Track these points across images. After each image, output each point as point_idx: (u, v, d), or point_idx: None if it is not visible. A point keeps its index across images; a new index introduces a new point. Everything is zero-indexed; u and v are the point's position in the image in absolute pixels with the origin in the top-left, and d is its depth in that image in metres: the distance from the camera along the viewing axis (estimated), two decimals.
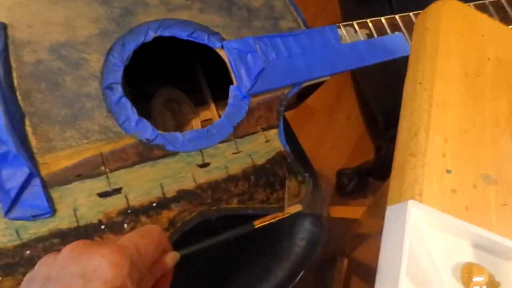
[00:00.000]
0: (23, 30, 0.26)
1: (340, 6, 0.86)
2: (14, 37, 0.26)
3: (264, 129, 0.30)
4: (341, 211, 0.57)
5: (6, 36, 0.26)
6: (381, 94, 0.73)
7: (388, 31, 0.36)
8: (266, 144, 0.30)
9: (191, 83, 0.40)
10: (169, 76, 0.40)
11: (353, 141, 0.90)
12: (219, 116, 0.39)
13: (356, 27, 0.36)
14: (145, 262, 0.20)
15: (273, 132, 0.30)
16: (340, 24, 0.36)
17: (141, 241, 0.20)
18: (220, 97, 0.40)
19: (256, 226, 0.26)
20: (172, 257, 0.22)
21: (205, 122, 0.40)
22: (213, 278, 0.37)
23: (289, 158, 0.30)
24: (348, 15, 0.82)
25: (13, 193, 0.23)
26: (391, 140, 0.71)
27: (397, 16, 0.38)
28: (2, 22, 0.26)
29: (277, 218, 0.27)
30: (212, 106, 0.38)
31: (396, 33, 0.36)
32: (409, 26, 0.37)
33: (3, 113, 0.23)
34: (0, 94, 0.24)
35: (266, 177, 0.29)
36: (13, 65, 0.25)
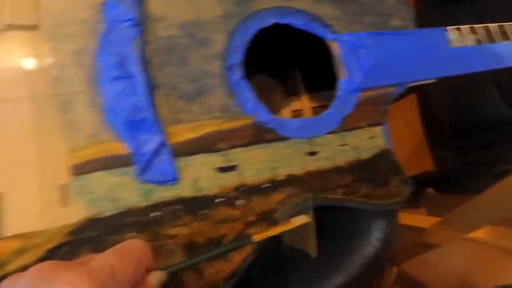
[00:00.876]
0: (158, 6, 0.28)
1: (416, 7, 0.84)
2: (150, 12, 0.28)
3: (369, 125, 0.30)
4: (408, 218, 0.56)
5: (142, 11, 0.27)
6: (453, 104, 0.71)
7: (498, 39, 0.35)
8: (371, 140, 0.30)
9: (283, 71, 0.41)
10: (261, 62, 0.41)
11: (409, 149, 0.88)
12: (310, 108, 0.39)
13: (464, 32, 0.35)
14: (122, 286, 0.17)
15: (378, 129, 0.30)
16: (448, 28, 0.35)
17: (118, 261, 0.18)
18: (311, 90, 0.40)
19: (254, 240, 0.23)
20: (156, 277, 0.19)
21: (295, 113, 0.41)
22: (280, 272, 0.38)
23: (392, 157, 0.30)
24: (425, 17, 0.80)
25: (147, 157, 0.24)
26: (459, 151, 0.69)
27: (506, 24, 0.37)
28: None
29: (279, 231, 0.23)
30: (304, 97, 0.39)
31: (506, 42, 0.35)
32: None
33: (144, 82, 0.25)
34: (142, 65, 0.25)
35: (369, 172, 0.29)
36: (148, 38, 0.27)
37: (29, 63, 0.24)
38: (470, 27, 0.36)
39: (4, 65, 0.24)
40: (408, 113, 0.98)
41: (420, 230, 0.50)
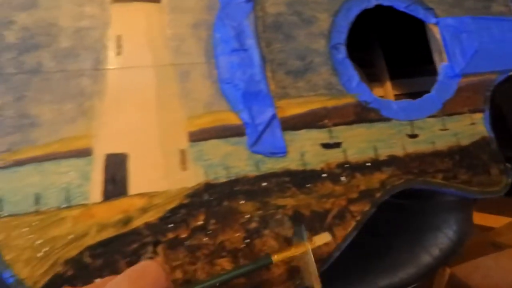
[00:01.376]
0: None
1: None
2: None
3: (470, 111, 0.30)
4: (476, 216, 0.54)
5: None
6: None
7: None
8: (471, 127, 0.29)
9: (367, 57, 0.40)
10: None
11: None
12: (393, 96, 0.39)
13: None
14: None
15: (479, 116, 0.30)
16: None
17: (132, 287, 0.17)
18: (394, 77, 0.40)
19: (274, 261, 0.21)
20: None
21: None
22: (356, 261, 0.38)
23: (493, 144, 0.29)
24: None
25: (260, 129, 0.25)
26: None
27: None
28: None
29: (300, 251, 0.21)
30: (388, 83, 0.38)
31: None
32: None
33: (259, 56, 0.26)
34: (256, 39, 0.26)
35: (469, 159, 0.28)
36: (258, 14, 0.28)
37: (153, 33, 0.26)
38: None
39: (131, 33, 0.25)
40: None
41: (488, 229, 0.48)
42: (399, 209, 0.37)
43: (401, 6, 0.30)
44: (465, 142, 0.29)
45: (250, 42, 0.26)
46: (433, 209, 0.39)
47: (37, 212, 0.22)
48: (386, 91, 0.39)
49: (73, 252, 0.22)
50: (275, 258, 0.21)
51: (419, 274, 0.37)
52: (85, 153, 0.23)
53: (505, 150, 0.79)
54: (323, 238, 0.22)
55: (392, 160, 0.27)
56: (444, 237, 0.39)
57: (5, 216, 0.21)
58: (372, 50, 0.40)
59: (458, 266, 0.67)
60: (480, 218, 0.54)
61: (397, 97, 0.39)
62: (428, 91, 0.30)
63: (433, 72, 0.33)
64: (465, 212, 0.40)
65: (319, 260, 0.24)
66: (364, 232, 0.29)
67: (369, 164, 0.27)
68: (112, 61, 0.24)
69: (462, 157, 0.28)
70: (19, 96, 0.23)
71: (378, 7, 0.30)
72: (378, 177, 0.27)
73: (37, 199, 0.22)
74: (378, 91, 0.39)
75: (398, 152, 0.27)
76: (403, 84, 0.39)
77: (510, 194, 0.76)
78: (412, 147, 0.28)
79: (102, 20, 0.25)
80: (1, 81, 0.23)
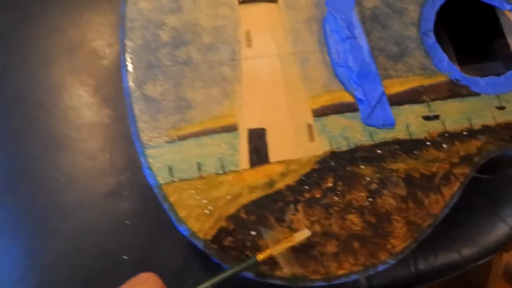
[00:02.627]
0: None
1: None
2: None
3: None
4: None
5: None
6: None
7: None
8: None
9: None
10: None
11: None
12: None
13: None
14: None
15: None
16: None
17: None
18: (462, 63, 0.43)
19: (259, 260, 0.23)
20: None
21: None
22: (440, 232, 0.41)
23: None
24: None
25: (372, 104, 0.29)
26: None
27: None
28: None
29: (283, 248, 0.23)
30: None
31: None
32: None
33: (366, 42, 0.30)
34: (362, 28, 0.30)
35: None
36: (358, 8, 0.32)
37: (275, 27, 0.30)
38: None
39: (257, 28, 0.30)
40: None
41: None
42: (477, 183, 0.40)
43: None
44: None
45: (358, 31, 0.30)
46: (509, 183, 0.42)
47: (200, 177, 0.26)
48: None
49: (231, 209, 0.26)
50: (260, 257, 0.23)
51: (498, 243, 0.40)
52: (232, 128, 0.27)
53: None
54: (303, 234, 0.24)
55: (485, 129, 0.31)
56: None
57: (176, 181, 0.26)
58: (440, 36, 0.44)
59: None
60: None
61: None
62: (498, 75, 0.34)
63: (499, 57, 0.36)
64: None
65: (432, 216, 0.28)
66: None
67: (465, 133, 0.30)
68: (244, 52, 0.29)
69: None
70: (176, 84, 0.28)
71: None
72: (474, 144, 0.30)
73: (199, 166, 0.26)
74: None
75: (490, 122, 0.31)
76: (473, 69, 0.42)
77: None
78: (502, 117, 0.31)
79: (233, 19, 0.30)
80: (161, 72, 0.28)
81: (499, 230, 0.40)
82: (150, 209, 0.34)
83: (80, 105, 0.37)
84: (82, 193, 0.35)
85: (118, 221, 0.34)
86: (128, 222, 0.34)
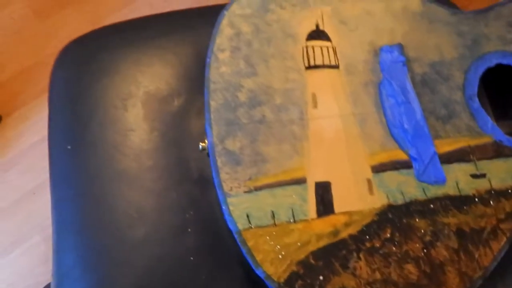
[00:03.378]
0: (413, 50, 0.37)
1: None
2: (408, 54, 0.36)
3: None
4: None
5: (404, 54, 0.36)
6: None
7: None
8: None
9: None
10: None
11: None
12: None
13: None
14: None
15: None
16: None
17: None
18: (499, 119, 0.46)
19: None
20: None
21: None
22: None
23: None
24: None
25: (425, 163, 0.32)
26: None
27: None
28: (402, 44, 0.36)
29: None
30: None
31: None
32: None
33: (419, 107, 0.33)
34: (415, 94, 0.34)
35: None
36: (409, 73, 0.36)
37: (337, 90, 0.34)
38: None
39: (322, 91, 0.34)
40: None
41: None
42: None
43: None
44: None
45: (412, 96, 0.34)
46: None
47: (274, 225, 0.29)
48: None
49: (301, 255, 0.29)
50: None
51: None
52: (301, 181, 0.31)
53: None
54: None
55: None
56: None
57: (253, 228, 0.29)
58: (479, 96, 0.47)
59: None
60: None
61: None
62: None
63: None
64: None
65: (482, 268, 0.30)
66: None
67: (510, 191, 0.33)
68: (311, 112, 0.33)
69: None
70: (252, 140, 0.31)
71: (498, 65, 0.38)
72: None
73: (273, 215, 0.29)
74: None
75: None
76: (509, 125, 0.45)
77: None
78: None
79: (301, 82, 0.34)
80: (240, 128, 0.31)
81: None
82: (212, 246, 0.37)
83: (150, 148, 0.41)
84: (151, 228, 0.39)
85: (182, 256, 0.38)
86: (192, 258, 0.37)
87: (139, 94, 0.42)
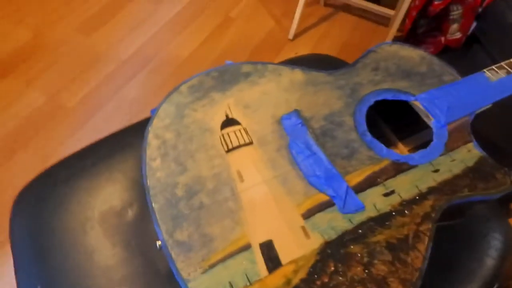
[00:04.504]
0: (307, 111, 0.45)
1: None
2: (304, 115, 0.44)
3: (464, 144, 0.44)
4: None
5: (301, 116, 0.44)
6: (506, 127, 0.82)
7: None
8: (470, 153, 0.43)
9: (380, 131, 0.56)
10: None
11: None
12: (407, 151, 0.53)
13: (496, 69, 0.50)
14: None
15: (471, 145, 0.44)
16: (485, 70, 0.51)
17: None
18: (401, 138, 0.55)
19: None
20: None
21: None
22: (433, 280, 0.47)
23: (489, 159, 0.42)
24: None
25: (343, 197, 0.38)
26: None
27: None
28: (297, 109, 0.45)
29: None
30: (400, 144, 0.53)
31: None
32: None
33: (324, 154, 0.40)
34: (317, 145, 0.41)
35: (479, 173, 0.41)
36: (310, 130, 0.43)
37: (257, 161, 0.40)
38: (498, 65, 0.51)
39: (244, 166, 0.40)
40: None
41: None
42: (450, 230, 0.48)
43: (389, 97, 0.47)
44: (470, 163, 0.42)
45: (315, 148, 0.41)
46: (475, 222, 0.50)
47: None
48: (401, 151, 0.53)
49: None
50: None
51: (490, 276, 0.46)
52: (247, 247, 0.35)
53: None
54: None
55: (431, 190, 0.40)
56: (494, 239, 0.49)
57: None
58: (378, 125, 0.56)
59: None
60: None
61: (410, 151, 0.53)
62: (430, 140, 0.45)
63: (426, 127, 0.48)
64: (500, 217, 0.51)
65: (417, 270, 0.35)
66: (433, 255, 0.39)
67: (417, 197, 0.39)
68: (240, 186, 0.39)
69: (474, 173, 0.41)
70: (197, 225, 0.36)
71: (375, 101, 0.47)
72: (427, 204, 0.39)
73: (231, 285, 0.33)
74: (396, 152, 0.54)
75: (432, 183, 0.40)
76: (410, 141, 0.53)
77: None
78: (439, 177, 0.41)
79: (225, 165, 0.40)
80: (184, 219, 0.36)
81: (487, 264, 0.47)
82: None
83: (116, 261, 0.44)
84: None
85: None
86: None
87: (95, 216, 0.46)
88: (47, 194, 0.48)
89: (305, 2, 1.35)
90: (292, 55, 1.36)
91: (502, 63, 0.52)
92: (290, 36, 1.39)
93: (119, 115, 1.16)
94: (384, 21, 1.48)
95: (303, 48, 1.39)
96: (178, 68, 1.30)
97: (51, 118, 1.14)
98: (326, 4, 1.54)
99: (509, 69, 0.51)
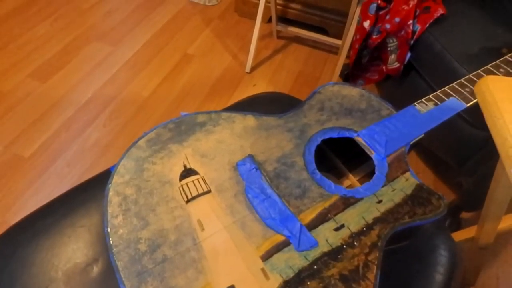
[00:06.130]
0: (260, 155, 0.48)
1: (378, 89, 1.11)
2: (258, 160, 0.47)
3: (402, 173, 0.48)
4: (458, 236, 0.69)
5: (255, 161, 0.47)
6: (446, 143, 0.90)
7: (445, 98, 0.57)
8: (407, 181, 0.48)
9: (331, 165, 0.60)
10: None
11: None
12: (357, 180, 0.57)
13: (425, 102, 0.57)
14: None
15: (408, 174, 0.48)
16: (415, 103, 0.57)
17: None
18: (351, 169, 0.59)
19: None
20: None
21: (349, 187, 0.58)
22: None
23: (425, 186, 0.47)
24: (387, 94, 1.06)
25: (297, 236, 0.41)
26: (467, 174, 0.86)
27: (446, 88, 0.59)
28: (251, 154, 0.48)
29: None
30: (351, 176, 0.57)
31: (451, 98, 0.57)
32: (457, 91, 0.57)
33: (277, 197, 0.43)
34: (271, 188, 0.44)
35: (417, 199, 0.46)
36: (264, 173, 0.46)
37: (216, 210, 0.42)
38: (426, 98, 0.57)
39: (204, 215, 0.42)
40: (413, 165, 1.17)
41: (470, 240, 0.63)
42: (400, 251, 0.52)
43: (334, 135, 0.52)
44: (409, 191, 0.47)
45: (269, 191, 0.44)
46: (421, 240, 0.54)
47: None
48: (352, 181, 0.58)
49: None
50: None
51: None
52: None
53: (452, 179, 1.01)
54: None
55: (376, 220, 0.44)
56: (440, 255, 0.53)
57: None
58: (330, 159, 0.60)
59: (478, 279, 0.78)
60: (461, 235, 0.69)
61: (361, 179, 0.58)
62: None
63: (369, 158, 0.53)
64: (443, 233, 0.56)
65: None
66: (384, 280, 0.43)
67: (365, 228, 0.43)
68: (201, 235, 0.41)
69: (412, 200, 0.46)
70: (161, 279, 0.37)
71: (322, 140, 0.51)
72: (374, 233, 0.43)
73: None
74: (347, 182, 0.58)
75: (377, 214, 0.44)
76: (359, 171, 0.58)
77: (473, 208, 0.94)
78: (383, 207, 0.45)
79: (186, 215, 0.42)
80: (149, 274, 0.37)
81: (436, 280, 0.51)
82: None
83: None
84: None
85: None
86: None
87: (59, 276, 0.46)
88: (8, 259, 0.47)
89: (259, 36, 1.42)
90: (250, 87, 1.42)
91: (430, 96, 0.58)
92: (247, 69, 1.45)
93: (80, 161, 1.14)
94: (334, 50, 1.58)
95: (260, 80, 1.45)
96: (140, 108, 1.31)
97: (8, 169, 1.10)
98: (278, 37, 1.62)
99: (436, 101, 0.57)
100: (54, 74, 1.38)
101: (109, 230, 0.40)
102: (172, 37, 1.59)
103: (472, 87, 0.58)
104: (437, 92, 0.59)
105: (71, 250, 0.50)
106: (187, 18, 1.70)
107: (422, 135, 0.54)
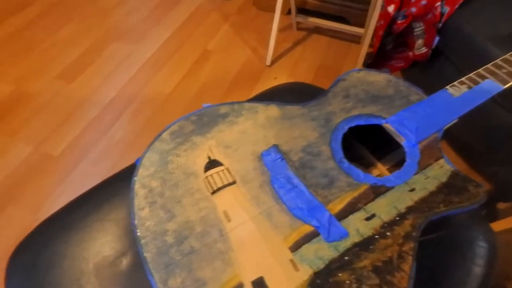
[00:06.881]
0: (285, 145, 0.47)
1: (403, 76, 1.07)
2: (283, 150, 0.46)
3: (435, 160, 0.46)
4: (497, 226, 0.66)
5: (280, 151, 0.46)
6: (479, 130, 0.86)
7: (480, 80, 0.54)
8: (442, 169, 0.45)
9: (359, 154, 0.58)
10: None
11: None
12: (386, 169, 0.55)
13: (458, 85, 0.54)
14: None
15: (442, 161, 0.46)
16: (447, 87, 0.54)
17: None
18: (379, 158, 0.57)
19: None
20: None
21: (378, 177, 0.56)
22: None
23: (461, 173, 0.45)
24: (414, 81, 1.02)
25: (327, 226, 0.39)
26: (501, 163, 0.82)
27: (481, 70, 0.55)
28: (276, 144, 0.47)
29: None
30: (379, 165, 0.55)
31: (486, 80, 0.54)
32: (493, 73, 0.54)
33: (305, 186, 0.42)
34: (298, 178, 0.43)
35: (452, 188, 0.44)
36: (289, 163, 0.45)
37: (241, 200, 0.42)
38: (459, 81, 0.54)
39: (230, 206, 0.41)
40: (447, 155, 1.13)
41: (509, 230, 0.60)
42: (435, 243, 0.50)
43: (362, 122, 0.50)
44: (444, 179, 0.44)
45: (296, 181, 0.43)
46: (458, 231, 0.52)
47: None
48: (381, 170, 0.56)
49: None
50: None
51: (480, 284, 0.48)
52: (239, 286, 0.36)
53: (486, 168, 0.96)
54: None
55: (409, 209, 0.42)
56: (479, 247, 0.51)
57: None
58: (356, 149, 0.58)
59: None
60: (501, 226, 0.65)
61: (390, 169, 0.55)
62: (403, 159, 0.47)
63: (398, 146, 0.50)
64: (481, 224, 0.53)
65: None
66: (420, 270, 0.41)
67: (397, 218, 0.41)
68: (228, 226, 0.40)
69: (448, 188, 0.44)
70: (189, 270, 0.37)
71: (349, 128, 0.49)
72: (407, 223, 0.41)
73: None
74: (376, 172, 0.56)
75: (410, 203, 0.42)
76: (388, 160, 0.56)
77: (508, 198, 0.89)
78: (416, 196, 0.43)
79: (212, 206, 0.41)
80: (176, 266, 0.37)
81: (474, 272, 0.49)
82: None
83: None
84: None
85: None
86: None
87: (89, 269, 0.47)
88: (40, 253, 0.48)
89: (278, 28, 1.40)
90: (271, 80, 1.40)
91: (463, 79, 0.55)
92: (268, 62, 1.43)
93: (107, 158, 1.17)
94: (356, 39, 1.54)
95: (281, 73, 1.43)
96: (162, 105, 1.32)
97: (38, 168, 1.14)
98: (298, 29, 1.60)
99: (470, 84, 0.54)
100: (79, 75, 1.41)
101: (136, 222, 0.40)
102: (191, 34, 1.60)
103: (510, 68, 0.55)
104: (471, 74, 0.55)
105: (100, 244, 0.50)
106: (205, 14, 1.70)
107: (456, 120, 0.51)
